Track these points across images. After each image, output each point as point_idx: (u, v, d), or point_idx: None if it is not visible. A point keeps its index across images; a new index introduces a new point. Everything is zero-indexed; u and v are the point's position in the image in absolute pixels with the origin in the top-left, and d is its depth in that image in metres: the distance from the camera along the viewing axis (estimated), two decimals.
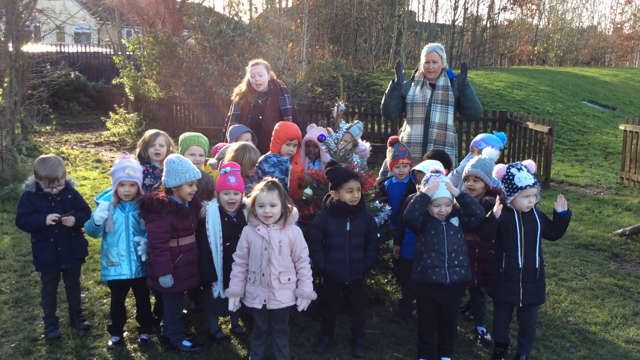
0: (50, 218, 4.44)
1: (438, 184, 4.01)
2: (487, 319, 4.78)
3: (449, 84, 6.02)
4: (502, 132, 5.36)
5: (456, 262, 4.04)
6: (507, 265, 4.09)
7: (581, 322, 5.00)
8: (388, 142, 5.39)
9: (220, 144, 5.54)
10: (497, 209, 4.06)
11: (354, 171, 4.33)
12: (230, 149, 4.96)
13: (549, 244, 6.96)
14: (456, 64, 29.24)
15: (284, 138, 5.25)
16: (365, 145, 5.74)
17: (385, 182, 5.40)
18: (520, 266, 4.06)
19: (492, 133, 5.35)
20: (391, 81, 6.16)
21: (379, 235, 4.51)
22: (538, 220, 4.11)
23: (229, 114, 6.60)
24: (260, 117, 6.35)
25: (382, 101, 6.29)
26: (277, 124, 5.42)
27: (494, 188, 4.51)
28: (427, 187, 4.06)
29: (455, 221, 4.08)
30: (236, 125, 5.99)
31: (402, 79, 6.13)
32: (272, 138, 5.36)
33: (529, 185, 4.01)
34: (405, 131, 6.15)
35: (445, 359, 4.25)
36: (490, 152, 4.56)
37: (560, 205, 4.09)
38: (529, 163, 4.13)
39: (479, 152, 4.95)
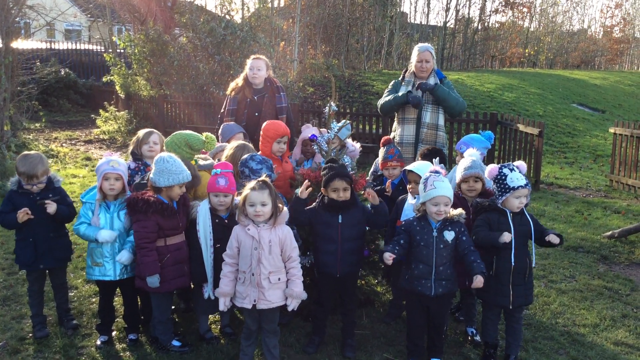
0: (21, 213, 4.33)
1: None
2: (477, 320, 4.80)
3: (439, 84, 6.04)
4: (489, 131, 5.36)
5: (443, 276, 4.03)
6: (498, 267, 4.09)
7: (570, 323, 5.02)
8: (381, 142, 5.38)
9: None
10: (505, 238, 3.95)
11: (342, 171, 4.29)
12: (230, 146, 4.94)
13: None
14: (447, 65, 29.35)
15: (274, 136, 5.23)
16: (356, 146, 5.72)
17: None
18: (511, 269, 4.07)
19: (479, 133, 5.35)
20: (406, 95, 6.00)
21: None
22: (530, 222, 4.12)
23: (222, 109, 6.58)
24: (257, 114, 6.34)
25: (385, 102, 6.17)
26: (264, 124, 5.39)
27: (487, 189, 4.52)
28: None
29: (448, 235, 4.02)
30: (228, 124, 5.96)
31: (418, 101, 6.01)
32: (261, 137, 5.33)
33: (521, 186, 4.02)
34: (397, 132, 6.16)
35: None
36: (472, 154, 4.56)
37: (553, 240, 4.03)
38: (520, 164, 4.15)
39: (462, 155, 4.96)
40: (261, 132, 5.34)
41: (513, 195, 4.03)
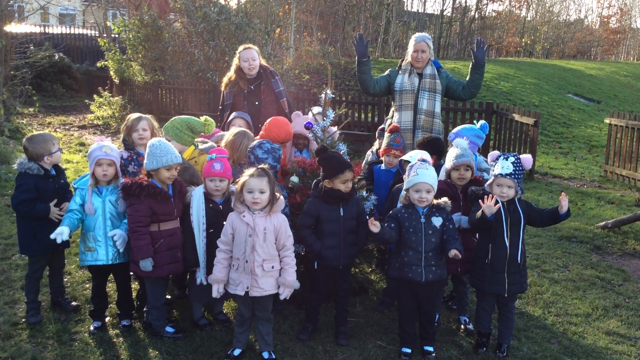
0: (57, 214, 4.48)
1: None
2: (469, 309, 4.82)
3: (436, 72, 6.07)
4: (484, 121, 5.35)
5: (433, 262, 4.05)
6: (493, 256, 4.10)
7: (562, 313, 5.05)
8: (388, 129, 5.39)
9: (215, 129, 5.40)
10: (490, 209, 3.94)
11: (348, 161, 4.31)
12: (230, 132, 4.91)
13: (532, 235, 7.01)
14: (444, 54, 29.25)
15: (274, 140, 5.03)
16: (333, 129, 5.60)
17: (375, 167, 5.39)
18: (506, 257, 4.08)
19: (473, 123, 5.33)
20: (356, 58, 6.13)
21: (367, 217, 4.52)
22: (521, 212, 4.12)
23: (220, 106, 6.52)
24: (257, 103, 6.29)
25: (357, 77, 6.27)
26: (270, 121, 5.23)
27: (476, 177, 4.54)
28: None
29: (436, 221, 4.06)
30: (237, 111, 5.93)
31: (362, 51, 6.05)
32: (263, 131, 5.21)
33: (501, 175, 4.02)
34: (394, 118, 6.15)
35: (428, 348, 4.27)
36: (460, 143, 4.57)
37: (565, 206, 4.02)
38: (526, 158, 4.11)
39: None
40: (264, 127, 5.21)
41: (495, 182, 4.08)
